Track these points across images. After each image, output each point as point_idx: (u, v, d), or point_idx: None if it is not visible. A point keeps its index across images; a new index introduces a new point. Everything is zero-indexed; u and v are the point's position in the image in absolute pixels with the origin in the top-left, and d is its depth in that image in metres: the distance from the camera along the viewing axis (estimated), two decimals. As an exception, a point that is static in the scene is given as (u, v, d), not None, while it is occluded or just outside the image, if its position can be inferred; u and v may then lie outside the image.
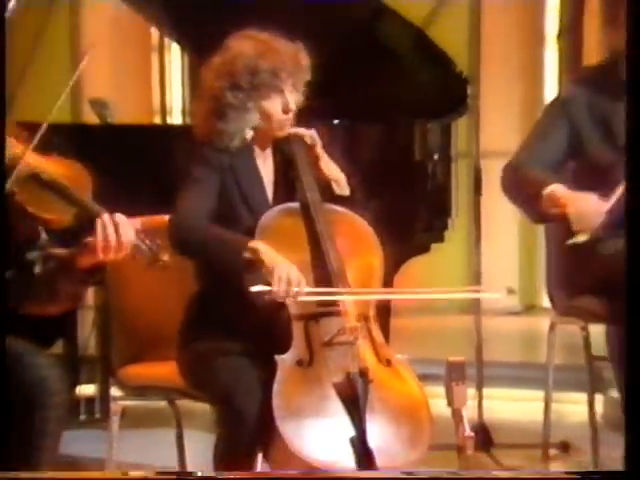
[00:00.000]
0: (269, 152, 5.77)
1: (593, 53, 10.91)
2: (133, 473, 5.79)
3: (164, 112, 11.60)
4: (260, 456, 5.37)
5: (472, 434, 5.06)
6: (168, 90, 11.60)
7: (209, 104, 5.71)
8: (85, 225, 5.25)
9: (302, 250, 5.53)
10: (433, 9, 9.80)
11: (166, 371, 5.83)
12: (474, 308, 8.47)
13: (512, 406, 8.27)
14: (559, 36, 11.92)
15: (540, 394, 7.26)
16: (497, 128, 9.04)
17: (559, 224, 6.97)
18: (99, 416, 8.02)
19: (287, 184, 5.72)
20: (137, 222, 5.34)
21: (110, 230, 5.16)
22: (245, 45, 5.70)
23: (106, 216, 5.16)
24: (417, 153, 7.78)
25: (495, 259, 7.89)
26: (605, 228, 6.56)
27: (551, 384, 7.03)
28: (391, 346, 5.88)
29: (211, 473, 5.47)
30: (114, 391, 6.88)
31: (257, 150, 5.73)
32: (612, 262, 6.35)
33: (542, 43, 11.83)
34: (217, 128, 5.66)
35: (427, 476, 5.28)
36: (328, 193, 5.71)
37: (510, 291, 5.83)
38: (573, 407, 7.86)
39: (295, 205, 5.58)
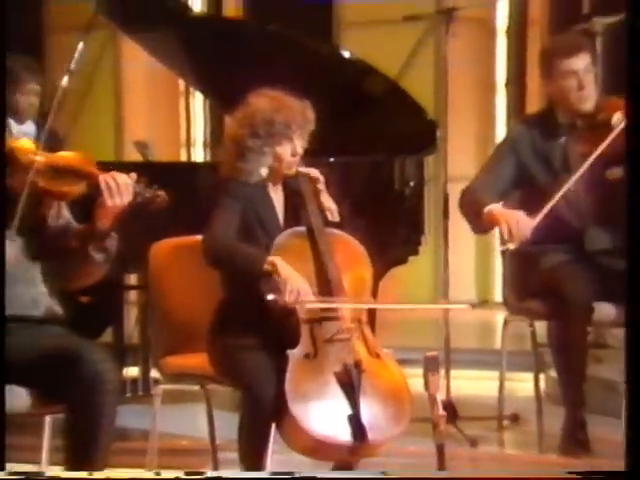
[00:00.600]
0: (280, 186, 6.02)
1: (535, 99, 11.09)
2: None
3: (189, 145, 11.44)
4: (274, 429, 5.61)
5: (444, 413, 5.17)
6: (192, 127, 11.42)
7: (233, 148, 5.97)
8: (94, 192, 5.43)
9: (308, 264, 5.78)
10: (403, 67, 9.99)
11: (198, 361, 6.03)
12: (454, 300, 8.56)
13: (473, 384, 8.23)
14: (507, 84, 11.81)
15: (495, 374, 7.51)
16: (459, 161, 9.18)
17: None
18: (142, 393, 8.15)
19: (294, 212, 5.96)
20: (132, 175, 5.49)
21: (112, 183, 5.34)
22: (263, 102, 5.96)
23: (106, 175, 5.38)
24: (396, 183, 7.91)
25: (458, 265, 8.14)
26: (544, 247, 6.91)
27: (504, 366, 7.34)
28: (377, 335, 6.07)
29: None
30: (154, 373, 7.54)
31: (270, 184, 5.99)
32: (551, 274, 6.82)
33: (494, 90, 11.82)
34: (239, 167, 5.92)
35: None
36: (324, 219, 5.98)
37: (474, 305, 6.21)
38: (522, 385, 7.84)
39: (302, 229, 5.83)
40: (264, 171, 5.94)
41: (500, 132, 11.75)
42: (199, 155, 11.57)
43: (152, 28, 8.38)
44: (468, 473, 5.82)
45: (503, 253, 7.25)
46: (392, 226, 7.78)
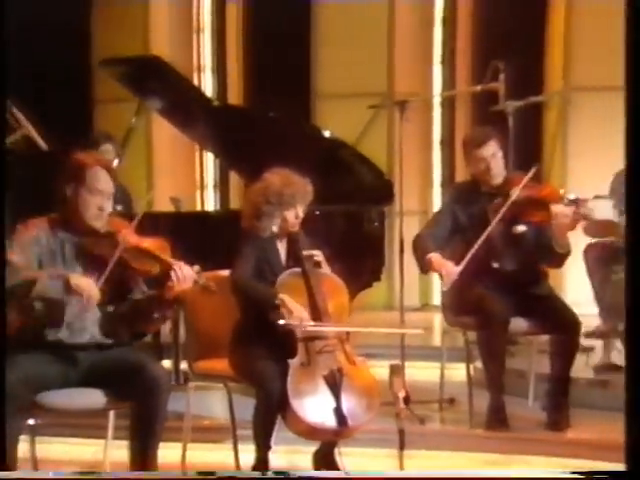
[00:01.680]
0: (285, 238, 6.20)
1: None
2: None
3: (202, 187, 11.24)
4: (279, 417, 5.87)
5: (404, 406, 5.33)
6: (205, 174, 11.23)
7: (252, 211, 6.19)
8: (165, 274, 5.48)
9: (302, 296, 6.01)
10: (360, 135, 10.19)
11: (221, 365, 6.18)
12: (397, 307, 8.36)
13: (420, 373, 8.09)
14: (442, 142, 11.47)
15: (437, 364, 7.58)
16: (409, 204, 9.35)
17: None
18: (174, 383, 7.80)
19: (293, 257, 6.13)
20: (195, 268, 5.56)
21: (179, 273, 5.41)
22: (275, 178, 6.16)
23: (176, 266, 5.45)
24: (364, 226, 7.92)
25: (405, 277, 8.29)
26: (473, 279, 6.98)
27: (444, 359, 7.44)
28: (352, 335, 6.27)
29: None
30: (183, 365, 7.26)
31: (278, 238, 6.21)
32: (477, 300, 6.92)
33: (430, 148, 11.43)
34: (256, 225, 6.15)
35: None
36: (314, 264, 6.11)
37: (425, 329, 6.48)
38: (457, 373, 7.75)
39: (298, 270, 6.04)
40: (274, 228, 6.17)
41: (437, 187, 11.36)
42: (210, 195, 11.33)
43: (183, 114, 8.36)
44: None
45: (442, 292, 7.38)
46: (362, 260, 7.79)
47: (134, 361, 5.63)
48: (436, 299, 10.76)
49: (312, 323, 5.96)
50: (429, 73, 10.97)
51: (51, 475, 5.47)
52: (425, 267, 7.06)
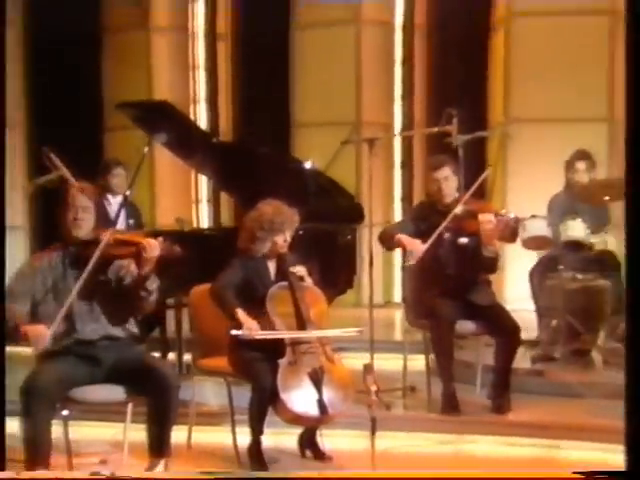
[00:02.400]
0: (274, 258, 6.28)
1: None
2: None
3: (197, 202, 11.21)
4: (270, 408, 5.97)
5: (376, 399, 5.51)
6: (200, 191, 11.22)
7: (247, 235, 6.27)
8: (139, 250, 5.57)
9: (289, 306, 6.12)
10: (331, 162, 10.19)
11: (222, 363, 6.28)
12: (365, 304, 8.56)
13: (386, 363, 7.87)
14: (402, 165, 11.40)
15: (401, 356, 7.54)
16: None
17: (411, 279, 7.41)
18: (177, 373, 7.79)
19: (281, 273, 6.22)
20: (159, 239, 5.71)
21: (147, 244, 5.46)
22: (267, 208, 6.26)
23: (144, 240, 5.58)
24: (339, 242, 7.94)
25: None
26: (429, 288, 7.04)
27: (406, 351, 7.41)
28: (326, 324, 6.29)
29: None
30: (186, 357, 7.33)
31: (269, 258, 6.29)
32: (429, 307, 6.98)
33: (392, 169, 11.28)
34: (250, 247, 6.25)
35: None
36: (298, 278, 6.19)
37: (359, 331, 6.55)
38: (418, 363, 7.60)
39: (285, 283, 6.14)
40: (265, 250, 6.27)
41: (397, 196, 11.27)
42: (204, 208, 11.27)
43: (185, 148, 8.35)
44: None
45: (404, 268, 7.38)
46: (337, 271, 7.80)
47: (149, 362, 5.78)
48: (397, 297, 10.76)
49: (260, 332, 6.01)
50: (391, 106, 10.99)
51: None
52: (392, 246, 7.16)
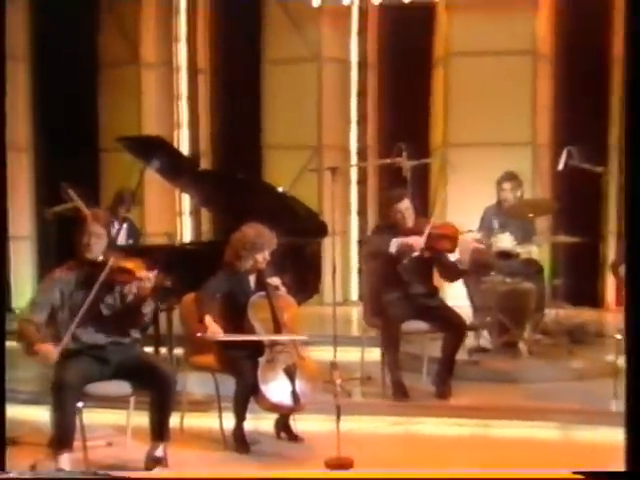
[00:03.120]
0: (255, 273, 6.27)
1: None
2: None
3: (181, 214, 11.01)
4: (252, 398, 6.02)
5: (341, 390, 5.78)
6: (183, 204, 10.99)
7: (233, 253, 6.26)
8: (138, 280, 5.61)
9: (267, 311, 6.16)
10: (295, 181, 10.20)
11: (210, 360, 6.27)
12: (326, 302, 8.67)
13: (346, 356, 7.70)
14: (358, 182, 11.12)
15: (359, 349, 7.55)
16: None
17: (370, 283, 7.48)
18: None
19: (260, 284, 6.24)
20: (154, 272, 5.67)
21: (145, 277, 5.53)
22: (250, 231, 6.25)
23: (141, 274, 5.58)
24: (307, 252, 7.81)
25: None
26: (386, 292, 7.01)
27: (364, 345, 7.43)
28: (298, 328, 6.35)
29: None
30: (176, 351, 7.19)
31: (250, 273, 6.29)
32: (385, 305, 7.00)
33: (349, 186, 11.00)
34: (235, 263, 6.24)
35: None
36: (274, 288, 6.24)
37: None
38: (373, 355, 7.47)
39: (263, 293, 6.18)
40: (248, 266, 6.27)
41: (354, 210, 11.04)
42: (187, 220, 11.06)
43: (174, 175, 8.20)
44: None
45: (360, 270, 7.34)
46: (306, 279, 7.64)
47: (151, 361, 5.88)
48: (354, 295, 10.75)
49: (222, 335, 6.04)
50: (348, 131, 10.94)
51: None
52: (401, 249, 6.94)
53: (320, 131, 10.79)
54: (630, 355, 4.51)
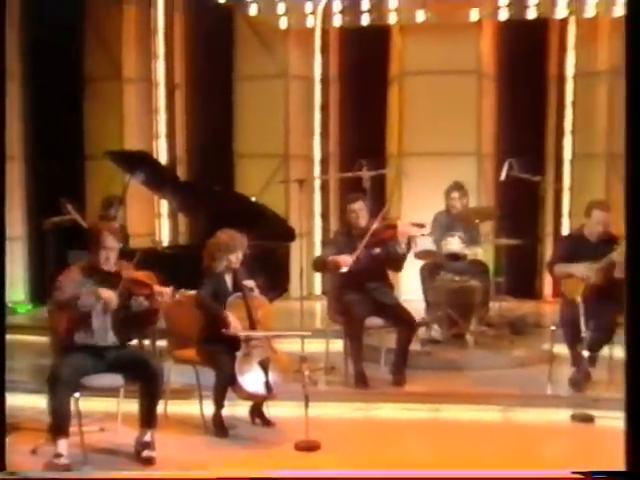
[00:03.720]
0: (230, 273, 6.29)
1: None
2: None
3: (160, 216, 10.91)
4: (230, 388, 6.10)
5: (308, 380, 5.88)
6: (160, 206, 10.87)
7: (209, 256, 6.30)
8: (152, 294, 5.68)
9: (242, 310, 6.19)
10: (264, 188, 10.20)
11: (191, 354, 6.33)
12: (293, 297, 8.62)
13: (311, 347, 7.41)
14: (321, 187, 11.00)
15: (324, 341, 7.52)
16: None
17: (332, 285, 7.47)
18: None
19: (236, 285, 6.27)
20: (170, 288, 5.71)
21: (160, 292, 5.64)
22: (224, 236, 6.31)
23: (159, 288, 5.66)
24: (277, 256, 7.90)
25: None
26: (347, 292, 7.03)
27: (328, 337, 7.44)
28: (271, 322, 6.40)
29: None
30: (159, 343, 7.11)
31: (226, 273, 6.31)
32: (345, 306, 7.09)
33: (313, 192, 10.88)
34: (212, 265, 6.27)
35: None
36: (249, 289, 6.26)
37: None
38: (337, 346, 7.47)
39: (239, 294, 6.21)
40: (223, 267, 6.31)
41: (317, 213, 10.93)
42: (165, 222, 10.96)
43: (157, 186, 8.25)
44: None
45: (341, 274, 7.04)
46: (277, 278, 7.69)
47: (141, 356, 5.97)
48: (317, 290, 10.70)
49: (243, 332, 6.12)
50: (312, 142, 10.92)
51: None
52: (327, 267, 7.14)
53: (287, 141, 10.76)
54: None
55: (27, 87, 10.27)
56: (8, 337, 6.47)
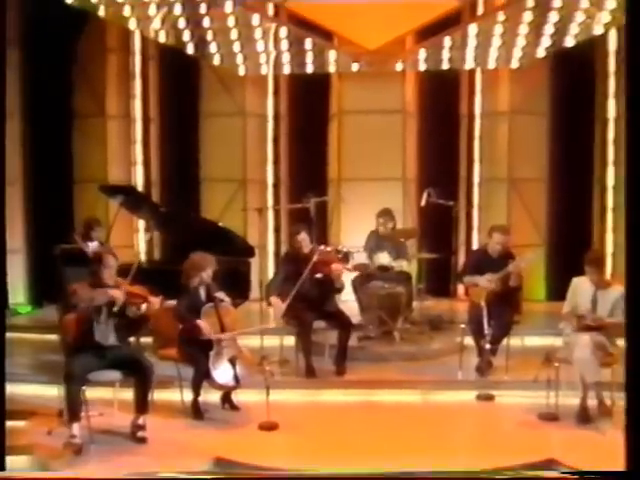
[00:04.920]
0: (204, 286, 6.43)
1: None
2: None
3: (137, 231, 10.65)
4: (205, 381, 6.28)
5: (268, 373, 6.12)
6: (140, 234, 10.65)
7: (186, 274, 6.48)
8: (146, 302, 5.86)
9: (214, 317, 6.37)
10: (224, 210, 10.28)
11: (173, 352, 6.50)
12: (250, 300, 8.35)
13: (268, 342, 7.52)
14: (274, 209, 10.79)
15: (278, 337, 7.54)
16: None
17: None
18: None
19: (208, 296, 6.43)
20: (160, 297, 5.96)
21: (153, 301, 5.86)
22: (196, 256, 6.51)
23: (151, 298, 5.86)
24: (240, 270, 7.85)
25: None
26: (293, 305, 7.01)
27: (284, 334, 7.44)
28: (236, 326, 6.40)
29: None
30: (144, 339, 7.00)
31: (200, 286, 6.45)
32: (295, 313, 7.10)
33: (267, 214, 10.47)
34: (188, 282, 6.44)
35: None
36: (219, 299, 6.41)
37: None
38: (289, 341, 7.46)
39: (212, 304, 6.38)
40: (197, 282, 6.47)
41: (271, 229, 10.71)
42: (141, 236, 10.67)
43: (141, 212, 8.38)
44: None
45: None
46: (240, 289, 7.61)
47: (136, 357, 6.13)
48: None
49: (214, 335, 6.25)
50: (266, 169, 10.92)
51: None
52: (268, 303, 7.39)
53: (244, 168, 10.76)
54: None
55: (25, 123, 10.28)
56: (12, 335, 7.15)
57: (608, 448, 5.41)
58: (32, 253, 10.30)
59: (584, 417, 6.18)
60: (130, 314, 5.87)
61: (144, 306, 5.89)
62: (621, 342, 6.10)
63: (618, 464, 4.34)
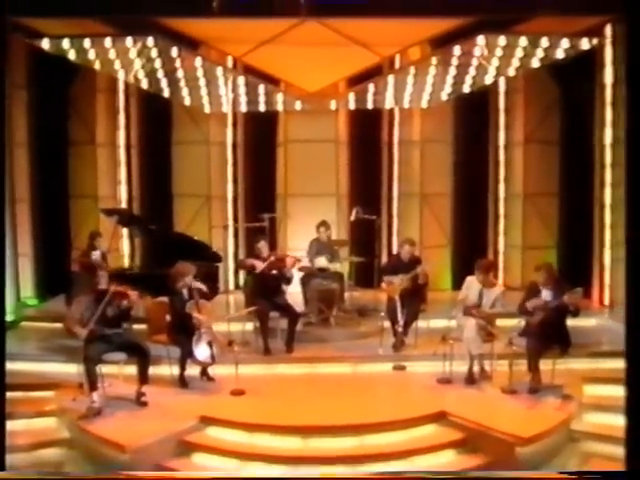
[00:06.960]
0: (187, 288, 6.79)
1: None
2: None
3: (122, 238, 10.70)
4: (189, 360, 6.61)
5: (236, 353, 6.53)
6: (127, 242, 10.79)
7: (173, 280, 6.83)
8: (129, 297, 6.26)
9: (195, 311, 6.72)
10: (191, 223, 10.59)
11: (163, 338, 6.92)
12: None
13: (233, 327, 7.62)
14: (234, 222, 10.89)
15: (242, 324, 7.79)
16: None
17: (249, 289, 7.86)
18: None
19: (190, 295, 6.78)
20: (136, 292, 6.31)
21: (132, 296, 6.32)
22: (179, 265, 6.89)
23: (131, 293, 6.27)
24: (212, 271, 8.19)
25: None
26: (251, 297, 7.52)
27: (244, 320, 7.67)
28: (211, 316, 6.63)
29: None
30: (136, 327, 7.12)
31: (184, 288, 6.82)
32: (258, 304, 7.42)
33: (227, 229, 10.63)
34: (175, 286, 6.83)
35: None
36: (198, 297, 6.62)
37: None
38: (249, 327, 7.64)
39: (193, 300, 6.73)
40: (182, 285, 6.85)
41: (230, 239, 10.81)
42: (125, 242, 10.76)
43: (134, 230, 8.79)
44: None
45: (246, 282, 7.40)
46: (213, 286, 7.72)
47: (137, 341, 6.64)
48: (231, 286, 10.49)
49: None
50: (226, 185, 11.16)
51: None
52: (247, 266, 7.60)
53: (209, 186, 11.05)
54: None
55: (31, 151, 10.65)
56: (23, 324, 8.06)
57: (487, 402, 6.33)
58: (38, 255, 10.73)
59: (470, 380, 6.88)
60: (121, 307, 6.46)
61: (125, 302, 6.42)
62: (499, 324, 7.02)
63: (494, 413, 5.39)
